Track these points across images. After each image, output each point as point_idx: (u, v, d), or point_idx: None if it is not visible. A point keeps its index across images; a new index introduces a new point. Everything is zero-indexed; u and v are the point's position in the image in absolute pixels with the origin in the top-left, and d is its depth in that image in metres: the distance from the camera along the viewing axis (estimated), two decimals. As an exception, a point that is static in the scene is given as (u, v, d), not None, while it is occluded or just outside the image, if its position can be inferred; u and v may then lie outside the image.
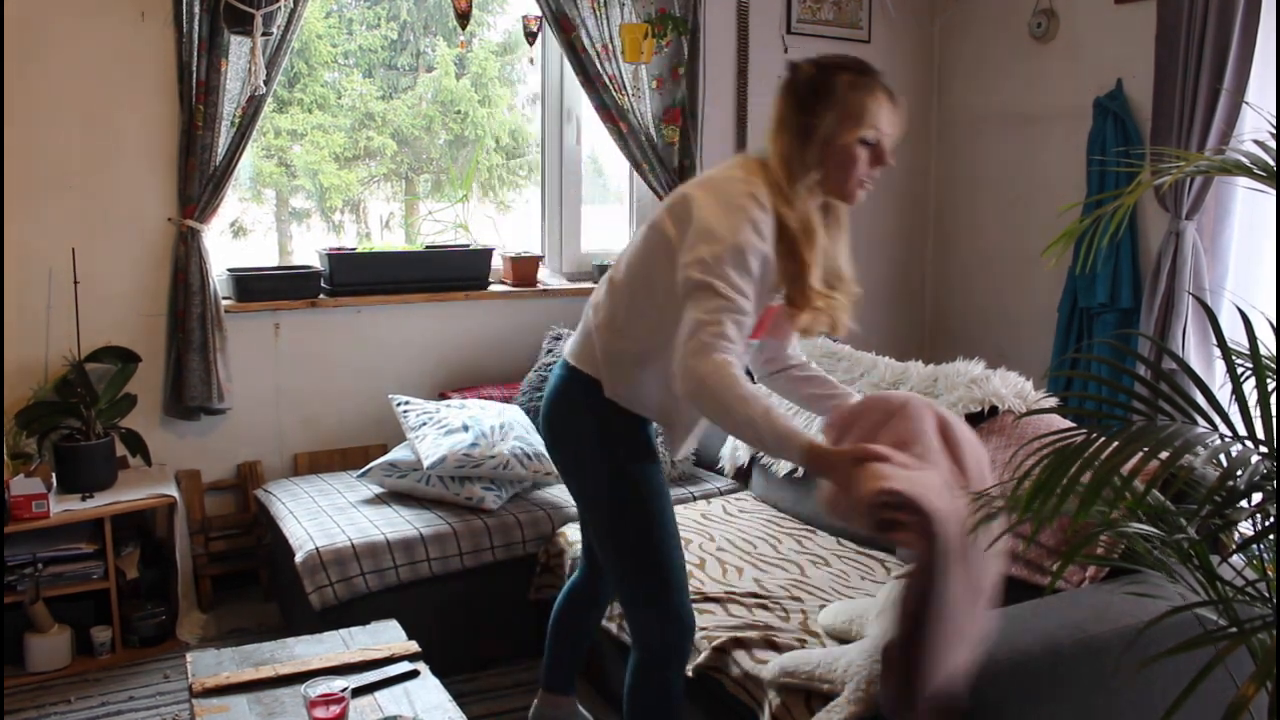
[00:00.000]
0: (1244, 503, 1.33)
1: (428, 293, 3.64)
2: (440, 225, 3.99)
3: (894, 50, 4.44)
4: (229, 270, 3.45)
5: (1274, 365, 1.40)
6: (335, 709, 1.81)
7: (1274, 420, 1.37)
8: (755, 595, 2.41)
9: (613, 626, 2.50)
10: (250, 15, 3.02)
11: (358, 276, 3.55)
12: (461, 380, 3.75)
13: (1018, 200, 4.15)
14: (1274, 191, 1.47)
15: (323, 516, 2.94)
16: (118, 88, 3.15)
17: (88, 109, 3.12)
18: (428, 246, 3.82)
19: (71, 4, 3.06)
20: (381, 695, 1.98)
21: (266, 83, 3.18)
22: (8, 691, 2.78)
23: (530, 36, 3.61)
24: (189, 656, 2.13)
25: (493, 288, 3.80)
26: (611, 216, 4.32)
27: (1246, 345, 1.42)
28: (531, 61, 3.89)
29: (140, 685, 2.84)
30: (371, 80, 3.95)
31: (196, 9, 3.08)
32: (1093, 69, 3.85)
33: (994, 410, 2.56)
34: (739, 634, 2.19)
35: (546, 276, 3.95)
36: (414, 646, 2.15)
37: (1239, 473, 1.27)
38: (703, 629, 2.22)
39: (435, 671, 2.08)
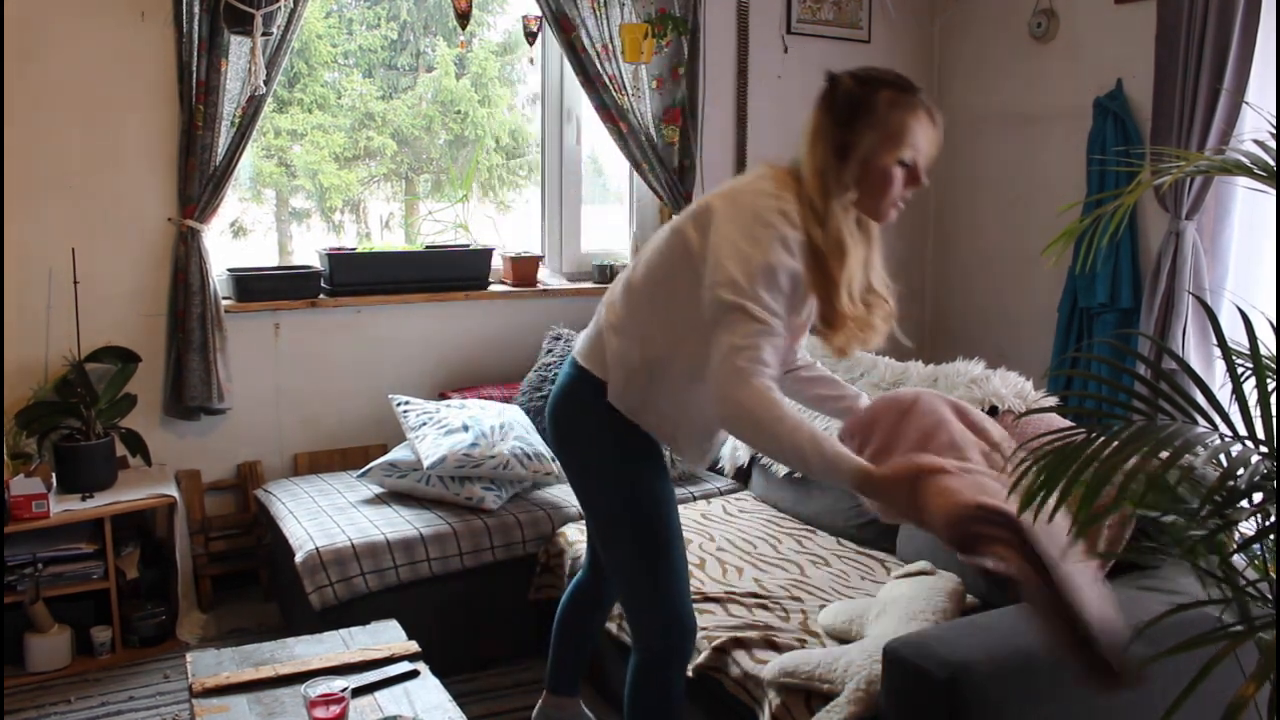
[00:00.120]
0: (1244, 503, 1.33)
1: (428, 293, 3.64)
2: (440, 225, 3.99)
3: (894, 50, 4.44)
4: (229, 270, 3.45)
5: (1274, 365, 1.40)
6: (335, 709, 1.81)
7: (1274, 420, 1.37)
8: (755, 595, 2.41)
9: (613, 627, 2.49)
10: (250, 15, 3.02)
11: (358, 276, 3.55)
12: (461, 380, 3.75)
13: (1018, 200, 4.15)
14: (1274, 191, 1.47)
15: (323, 516, 2.94)
16: (118, 88, 3.15)
17: (88, 109, 3.12)
18: (428, 246, 3.82)
19: (71, 4, 3.06)
20: (381, 695, 1.98)
21: (266, 83, 3.18)
22: (8, 691, 2.78)
23: (530, 36, 3.61)
24: (189, 656, 2.13)
25: (493, 288, 3.80)
26: (611, 216, 4.32)
27: (1246, 345, 1.42)
28: (531, 61, 3.89)
29: (140, 685, 2.84)
30: (371, 80, 3.95)
31: (196, 9, 3.08)
32: (1093, 69, 3.85)
33: (994, 410, 2.56)
34: (739, 634, 2.19)
35: (546, 276, 3.95)
36: (414, 646, 2.15)
37: (1239, 472, 1.27)
38: (703, 629, 2.22)
39: (435, 671, 2.08)
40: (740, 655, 2.14)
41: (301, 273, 3.51)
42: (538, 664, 2.91)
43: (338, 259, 3.52)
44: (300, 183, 3.87)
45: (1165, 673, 1.52)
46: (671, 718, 2.04)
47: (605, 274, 3.96)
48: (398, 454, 3.11)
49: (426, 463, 2.94)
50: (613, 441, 1.98)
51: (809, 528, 2.90)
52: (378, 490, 3.15)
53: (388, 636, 2.22)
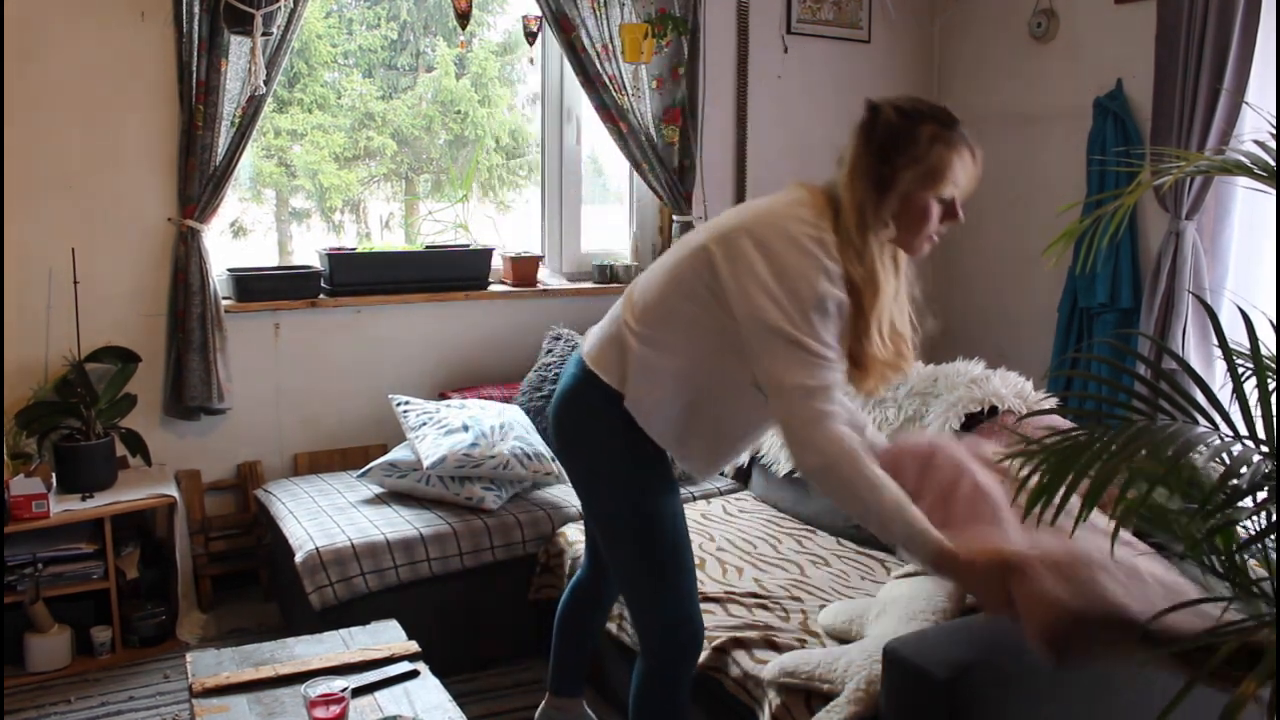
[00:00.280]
0: (1246, 502, 1.33)
1: (428, 293, 3.64)
2: (440, 225, 3.99)
3: (894, 50, 4.45)
4: (229, 270, 3.45)
5: (1274, 365, 1.40)
6: (335, 709, 1.81)
7: (1275, 420, 1.37)
8: (755, 595, 2.41)
9: (612, 627, 2.49)
10: (250, 15, 3.02)
11: (358, 276, 3.55)
12: (461, 380, 3.75)
13: (1018, 200, 4.15)
14: (1274, 191, 1.47)
15: (323, 516, 2.94)
16: (118, 88, 3.15)
17: (88, 109, 3.12)
18: (428, 246, 3.82)
19: (71, 4, 3.06)
20: (381, 695, 1.98)
21: (266, 83, 3.18)
22: (8, 691, 2.78)
23: (530, 36, 3.61)
24: (189, 656, 2.13)
25: (493, 288, 3.80)
26: (611, 216, 4.32)
27: (1247, 345, 1.42)
28: (531, 61, 3.89)
29: (140, 685, 2.84)
30: (371, 80, 3.95)
31: (196, 9, 3.08)
32: (1093, 69, 3.85)
33: (994, 410, 2.56)
34: (739, 634, 2.19)
35: (546, 276, 3.95)
36: (414, 646, 2.15)
37: (1241, 472, 1.27)
38: (703, 629, 2.21)
39: (435, 671, 2.08)
40: (740, 655, 2.14)
41: (301, 273, 3.51)
42: (538, 664, 2.91)
43: (338, 259, 3.52)
44: (300, 183, 3.87)
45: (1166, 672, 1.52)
46: None
47: (605, 274, 3.96)
48: (398, 454, 3.11)
49: (426, 463, 2.94)
50: (622, 447, 1.94)
51: (809, 528, 2.90)
52: (378, 490, 3.15)
53: (388, 636, 2.22)
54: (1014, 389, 2.61)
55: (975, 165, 1.79)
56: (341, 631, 2.24)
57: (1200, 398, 1.41)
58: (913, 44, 4.49)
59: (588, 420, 1.97)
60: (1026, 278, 4.12)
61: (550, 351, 3.59)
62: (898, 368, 1.88)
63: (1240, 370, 1.44)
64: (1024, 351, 4.01)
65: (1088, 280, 3.73)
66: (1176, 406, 1.41)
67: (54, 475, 2.98)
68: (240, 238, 3.83)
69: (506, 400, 3.49)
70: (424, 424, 3.09)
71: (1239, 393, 1.42)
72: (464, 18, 3.42)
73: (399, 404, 3.21)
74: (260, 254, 3.80)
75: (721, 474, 3.40)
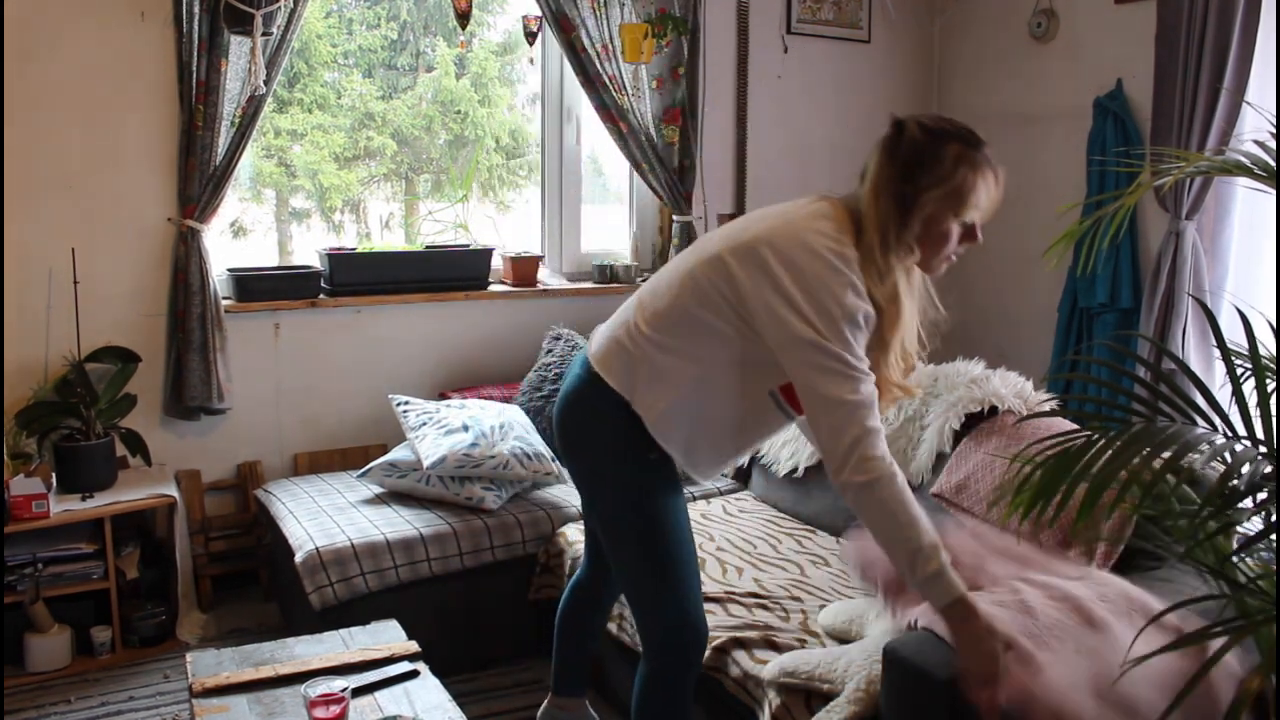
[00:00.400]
0: (1245, 503, 1.33)
1: (428, 293, 3.64)
2: (440, 225, 3.99)
3: (894, 50, 4.45)
4: (229, 270, 3.45)
5: (1273, 366, 1.40)
6: (335, 709, 1.81)
7: (1274, 420, 1.37)
8: (755, 595, 2.41)
9: (612, 627, 2.49)
10: (250, 15, 3.02)
11: (358, 276, 3.55)
12: (461, 380, 3.75)
13: (1018, 200, 4.12)
14: (1274, 191, 1.48)
15: (323, 516, 2.94)
16: (118, 88, 3.15)
17: (88, 109, 3.12)
18: (428, 246, 3.82)
19: (71, 4, 3.06)
20: (381, 695, 1.98)
21: (266, 83, 3.18)
22: (8, 691, 2.78)
23: (530, 36, 3.61)
24: (189, 656, 2.13)
25: (493, 288, 3.79)
26: (611, 216, 4.32)
27: (1246, 346, 1.42)
28: (531, 61, 3.89)
29: (140, 685, 2.84)
30: (371, 80, 3.95)
31: (196, 9, 3.08)
32: (1093, 69, 3.85)
33: (994, 410, 2.56)
34: (739, 634, 2.19)
35: (546, 276, 3.95)
36: (414, 646, 2.15)
37: (1240, 472, 1.27)
38: (703, 629, 2.21)
39: (435, 671, 2.08)
40: (740, 655, 2.14)
41: (301, 273, 3.51)
42: (538, 664, 2.91)
43: (338, 259, 3.52)
44: (300, 183, 3.87)
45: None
46: None
47: (605, 274, 3.96)
48: (398, 454, 3.11)
49: (426, 463, 2.94)
50: (626, 449, 1.93)
51: (809, 528, 2.90)
52: (378, 490, 3.15)
53: (388, 636, 2.22)
54: (1014, 389, 2.61)
55: (998, 187, 1.77)
56: (341, 631, 2.25)
57: (1199, 399, 1.41)
58: (913, 44, 4.49)
59: (592, 422, 1.96)
60: (1026, 278, 4.12)
61: (550, 351, 3.59)
62: (908, 389, 1.88)
63: (1239, 371, 1.45)
64: (1024, 351, 4.01)
65: (1088, 280, 3.73)
66: (1175, 408, 1.41)
67: (54, 475, 2.98)
68: (240, 238, 3.83)
69: (506, 400, 3.49)
70: (424, 424, 3.09)
71: (1238, 394, 1.42)
72: (464, 18, 3.42)
73: (399, 404, 3.21)
74: (260, 254, 3.80)
75: (722, 474, 3.40)
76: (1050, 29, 4.02)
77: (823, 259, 1.71)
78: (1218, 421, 1.39)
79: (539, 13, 3.58)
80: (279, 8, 3.10)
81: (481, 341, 3.79)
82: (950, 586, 1.65)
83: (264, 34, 3.08)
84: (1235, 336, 1.51)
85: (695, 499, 3.20)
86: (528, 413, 3.36)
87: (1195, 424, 1.38)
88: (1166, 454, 1.28)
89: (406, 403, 3.21)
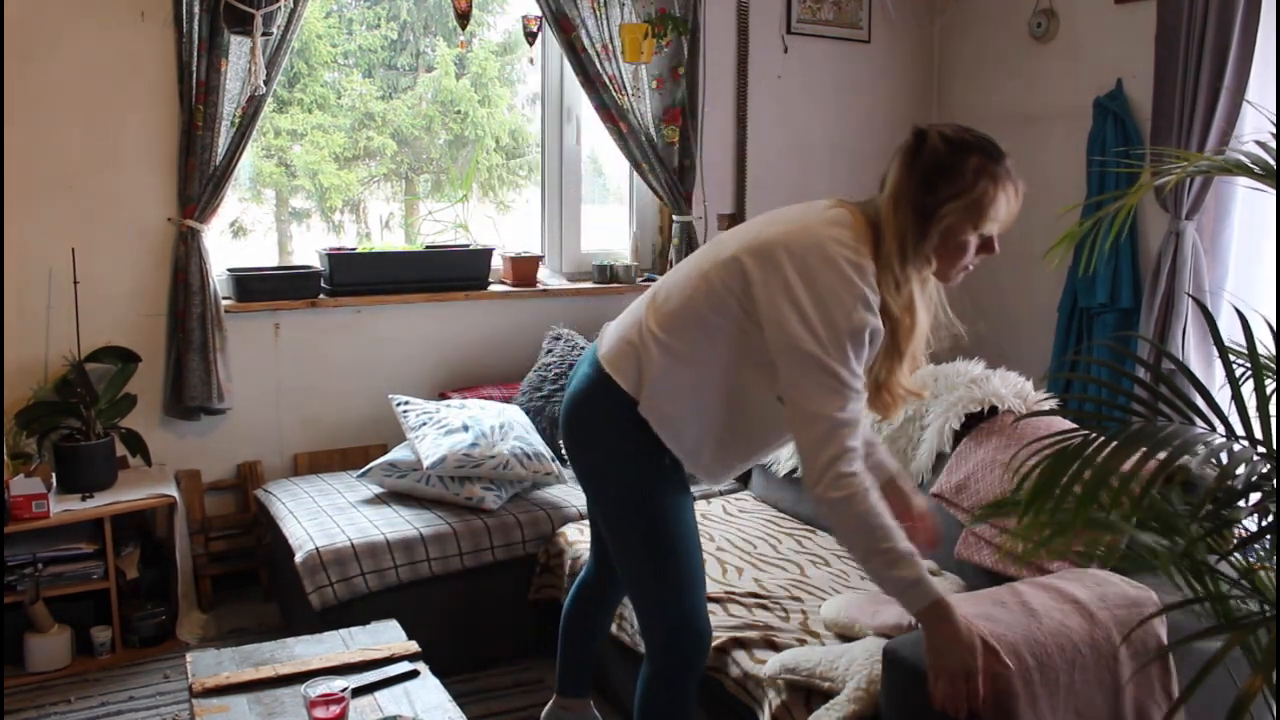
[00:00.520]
0: (1242, 503, 1.33)
1: (428, 293, 3.64)
2: (440, 225, 3.99)
3: (894, 50, 4.45)
4: (229, 270, 3.45)
5: (1273, 366, 1.40)
6: (335, 709, 1.81)
7: (1273, 421, 1.37)
8: (755, 595, 2.41)
9: (612, 627, 2.49)
10: (250, 15, 3.02)
11: (358, 276, 3.55)
12: (461, 380, 3.75)
13: (1018, 200, 4.15)
14: (1274, 191, 1.48)
15: (323, 516, 2.94)
16: (118, 88, 3.15)
17: (88, 109, 3.12)
18: (428, 246, 3.82)
19: (71, 4, 3.06)
20: (381, 695, 1.98)
21: (266, 83, 3.18)
22: (8, 691, 2.78)
23: (530, 36, 3.61)
24: (189, 656, 2.13)
25: (493, 288, 3.79)
26: (611, 216, 4.32)
27: (1245, 346, 1.42)
28: (531, 61, 3.89)
29: (140, 685, 2.84)
30: (371, 80, 3.95)
31: (196, 9, 3.09)
32: (1093, 69, 3.85)
33: (994, 410, 2.56)
34: (739, 634, 2.19)
35: (546, 276, 3.95)
36: (414, 646, 2.15)
37: (1237, 472, 1.27)
38: (703, 629, 2.21)
39: (435, 671, 2.08)
40: (740, 655, 2.14)
41: (301, 273, 3.51)
42: (538, 664, 2.91)
43: (338, 259, 3.52)
44: (300, 183, 3.88)
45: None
46: None
47: (605, 274, 3.96)
48: (398, 454, 3.11)
49: (426, 463, 2.94)
50: (633, 450, 1.92)
51: (809, 528, 2.90)
52: (378, 490, 3.15)
53: (388, 636, 2.22)
54: (1014, 389, 2.61)
55: (1017, 199, 1.75)
56: (341, 631, 2.25)
57: (1199, 400, 1.41)
58: (913, 44, 4.49)
59: (599, 422, 1.95)
60: (1026, 278, 4.12)
61: (550, 351, 3.59)
62: (919, 393, 1.88)
63: (1239, 372, 1.45)
64: (1024, 351, 4.01)
65: (1088, 280, 3.73)
66: (1175, 408, 1.41)
67: (54, 475, 2.98)
68: (240, 238, 3.83)
69: (506, 400, 3.49)
70: (424, 424, 3.09)
71: (1237, 394, 1.42)
72: (464, 18, 3.42)
73: (399, 404, 3.21)
74: (260, 254, 3.80)
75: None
76: (1050, 29, 4.02)
77: (838, 269, 1.71)
78: (1216, 422, 1.39)
79: (539, 13, 3.58)
80: (279, 8, 3.10)
81: (481, 341, 3.79)
82: (928, 590, 1.66)
83: (264, 34, 3.08)
84: (1235, 337, 1.51)
85: (695, 499, 3.19)
86: (528, 413, 3.36)
87: (1194, 424, 1.38)
88: (1163, 454, 1.29)
89: (406, 403, 3.21)
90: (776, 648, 2.15)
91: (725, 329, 1.82)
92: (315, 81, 3.83)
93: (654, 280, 3.99)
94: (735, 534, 2.83)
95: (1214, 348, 1.94)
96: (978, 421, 2.57)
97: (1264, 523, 1.37)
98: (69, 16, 3.06)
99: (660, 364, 1.85)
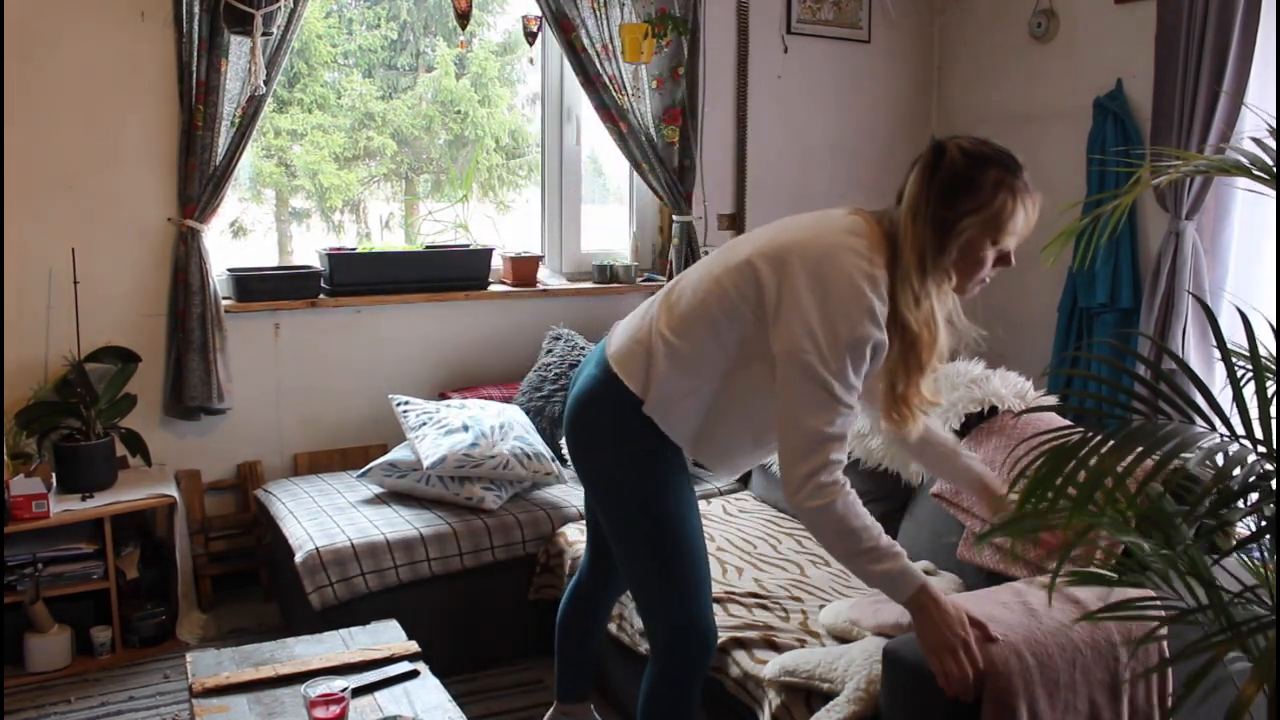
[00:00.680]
0: (1240, 503, 1.33)
1: (428, 293, 3.64)
2: (440, 225, 3.99)
3: (894, 50, 4.45)
4: (229, 270, 3.45)
5: (1273, 366, 1.40)
6: (335, 709, 1.82)
7: (1273, 421, 1.37)
8: (755, 595, 2.41)
9: (612, 627, 2.49)
10: (250, 15, 3.02)
11: (358, 276, 3.55)
12: (461, 380, 3.76)
13: (1018, 200, 4.15)
14: (1274, 192, 1.47)
15: (323, 516, 2.94)
16: (118, 88, 3.15)
17: (88, 109, 3.12)
18: (428, 246, 3.82)
19: (71, 4, 3.06)
20: (381, 695, 1.98)
21: (266, 83, 3.18)
22: (8, 691, 2.78)
23: (530, 36, 3.61)
24: (189, 656, 2.13)
25: (493, 288, 3.79)
26: (611, 216, 4.32)
27: (1246, 346, 1.42)
28: (531, 61, 3.89)
29: (140, 685, 2.85)
30: (371, 80, 3.95)
31: (196, 9, 3.09)
32: (1093, 69, 3.85)
33: (994, 410, 2.56)
34: (739, 634, 2.19)
35: (546, 276, 3.96)
36: (414, 646, 2.15)
37: (1235, 471, 1.27)
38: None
39: (435, 671, 2.08)
40: (740, 655, 2.14)
41: (301, 273, 3.51)
42: (538, 664, 2.92)
43: (338, 259, 3.53)
44: (300, 183, 3.88)
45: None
46: None
47: (605, 274, 3.96)
48: (398, 454, 3.11)
49: (426, 463, 2.94)
50: (638, 451, 1.92)
51: (809, 528, 2.90)
52: (378, 490, 3.15)
53: (388, 636, 2.22)
54: (1014, 389, 2.60)
55: (1035, 211, 1.76)
56: (341, 631, 2.25)
57: (1199, 399, 1.41)
58: (913, 44, 4.49)
59: (604, 423, 1.94)
60: (1026, 278, 4.12)
61: (550, 351, 3.59)
62: (936, 403, 1.88)
63: (1240, 372, 1.45)
64: (1024, 351, 4.01)
65: (1088, 280, 3.73)
66: (1175, 407, 1.41)
67: (54, 475, 2.98)
68: (240, 238, 3.83)
69: (506, 400, 3.49)
70: (424, 424, 3.09)
71: (1237, 394, 1.42)
72: (464, 18, 3.42)
73: (399, 404, 3.21)
74: (260, 254, 3.80)
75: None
76: (1050, 29, 4.02)
77: (849, 278, 1.70)
78: (1216, 421, 1.39)
79: (539, 13, 3.58)
80: (279, 8, 3.10)
81: (481, 341, 3.79)
82: (912, 578, 1.70)
83: (264, 34, 3.08)
84: (1235, 337, 1.51)
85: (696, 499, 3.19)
86: (528, 413, 3.36)
87: (1194, 423, 1.38)
88: (1160, 452, 1.28)
89: (406, 403, 3.21)
90: (777, 648, 2.15)
91: (734, 331, 1.82)
92: (315, 81, 3.83)
93: (654, 280, 4.01)
94: (735, 534, 2.83)
95: (1214, 348, 1.94)
96: (978, 421, 2.56)
97: (1263, 523, 1.37)
98: (69, 16, 3.06)
99: (667, 364, 1.86)
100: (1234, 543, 1.44)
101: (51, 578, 2.89)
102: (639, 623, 2.39)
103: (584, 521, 2.85)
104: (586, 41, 3.61)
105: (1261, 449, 1.34)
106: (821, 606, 2.34)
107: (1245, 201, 3.45)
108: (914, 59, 4.51)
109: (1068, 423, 1.95)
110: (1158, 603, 1.44)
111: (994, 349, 3.48)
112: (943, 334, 1.81)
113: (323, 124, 3.84)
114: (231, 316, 3.34)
